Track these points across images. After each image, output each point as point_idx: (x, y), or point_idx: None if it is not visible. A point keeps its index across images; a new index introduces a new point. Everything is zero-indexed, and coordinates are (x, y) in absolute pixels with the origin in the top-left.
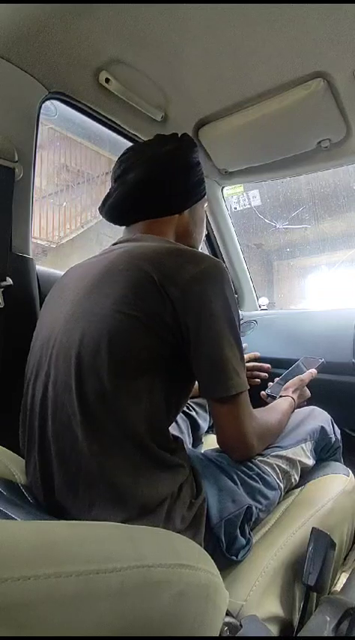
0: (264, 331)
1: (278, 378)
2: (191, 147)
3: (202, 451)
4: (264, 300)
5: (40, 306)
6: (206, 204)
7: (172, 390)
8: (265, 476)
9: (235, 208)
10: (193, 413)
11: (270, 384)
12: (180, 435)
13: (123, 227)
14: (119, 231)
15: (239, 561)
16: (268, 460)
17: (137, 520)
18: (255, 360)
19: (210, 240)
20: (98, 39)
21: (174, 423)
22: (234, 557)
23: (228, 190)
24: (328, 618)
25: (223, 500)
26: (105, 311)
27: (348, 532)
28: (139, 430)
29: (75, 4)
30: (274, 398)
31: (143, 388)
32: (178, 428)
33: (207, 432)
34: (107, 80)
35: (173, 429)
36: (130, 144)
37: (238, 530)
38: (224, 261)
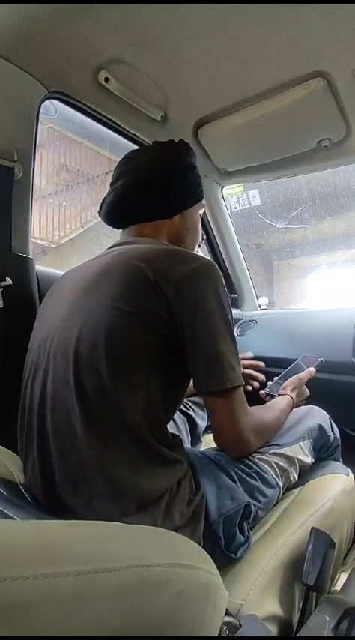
0: (264, 331)
1: (277, 377)
2: (183, 151)
3: (200, 449)
4: (263, 300)
5: (40, 305)
6: (202, 210)
7: (168, 385)
8: (263, 474)
9: (235, 208)
10: (191, 412)
11: (269, 383)
12: (178, 434)
13: (120, 230)
14: (119, 231)
15: (238, 560)
16: (266, 458)
17: (136, 514)
18: (250, 360)
19: (210, 240)
20: (98, 38)
21: (172, 422)
22: (233, 555)
23: (228, 190)
24: (327, 618)
25: (222, 497)
26: (102, 308)
27: (348, 531)
28: (137, 423)
29: (74, 4)
30: (273, 397)
31: (140, 382)
32: (176, 427)
33: (206, 430)
34: (106, 80)
35: (171, 428)
36: (130, 143)
37: (237, 528)
38: (224, 261)
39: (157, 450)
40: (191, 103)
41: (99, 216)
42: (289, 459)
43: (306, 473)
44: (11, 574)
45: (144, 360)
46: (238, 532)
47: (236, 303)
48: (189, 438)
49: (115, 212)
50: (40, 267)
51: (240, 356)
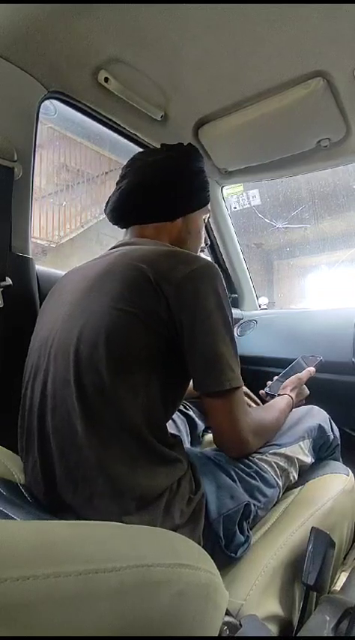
0: (264, 331)
1: (276, 377)
2: (190, 155)
3: (200, 449)
4: (263, 300)
5: (40, 305)
6: (207, 215)
7: (168, 386)
8: (263, 473)
9: (235, 208)
10: (191, 412)
11: (269, 382)
12: (178, 434)
13: (124, 229)
14: (120, 231)
15: (238, 560)
16: (266, 458)
17: (136, 513)
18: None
19: (210, 240)
20: (97, 38)
21: (172, 422)
22: (233, 555)
23: (228, 190)
24: (328, 618)
25: (222, 496)
26: (103, 308)
27: (348, 531)
28: (137, 422)
29: (74, 3)
30: (273, 396)
31: (140, 382)
32: (176, 427)
33: (205, 430)
34: (106, 79)
35: (171, 428)
36: (130, 143)
37: (237, 527)
38: (224, 261)
39: (157, 450)
40: (191, 102)
41: (105, 214)
42: (289, 458)
43: (306, 473)
44: (11, 574)
45: (145, 360)
46: (238, 532)
47: (236, 303)
48: (189, 438)
49: (119, 211)
50: (40, 267)
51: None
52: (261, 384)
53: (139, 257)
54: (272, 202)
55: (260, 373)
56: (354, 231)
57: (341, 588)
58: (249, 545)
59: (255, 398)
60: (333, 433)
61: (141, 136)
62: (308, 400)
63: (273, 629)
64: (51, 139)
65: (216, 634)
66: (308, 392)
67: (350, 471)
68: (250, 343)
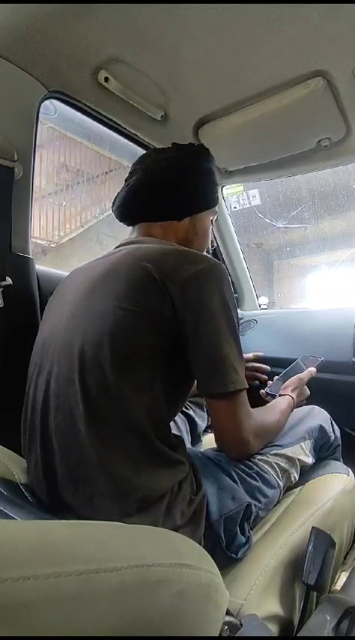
0: (264, 331)
1: (277, 377)
2: (200, 155)
3: (201, 450)
4: (263, 300)
5: (40, 305)
6: (214, 217)
7: (172, 385)
8: (264, 474)
9: (235, 208)
10: (191, 412)
11: (270, 382)
12: (178, 434)
13: (130, 227)
14: (120, 231)
15: (239, 560)
16: (267, 459)
17: (137, 514)
18: (256, 360)
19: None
20: (97, 38)
21: (173, 422)
22: (234, 555)
23: (228, 190)
24: (328, 617)
25: (223, 497)
26: (107, 308)
27: (348, 531)
28: (141, 422)
29: (74, 4)
30: (274, 396)
31: (144, 382)
32: (177, 427)
33: (206, 430)
34: (106, 79)
35: (172, 428)
36: (130, 143)
37: (238, 528)
38: (224, 261)
39: (160, 451)
40: (191, 102)
41: (112, 210)
42: (290, 459)
43: (307, 472)
44: (12, 574)
45: (149, 359)
46: (239, 532)
47: (236, 303)
48: (190, 438)
49: (126, 208)
50: (40, 267)
51: (250, 355)
52: (261, 384)
53: (144, 256)
54: (272, 202)
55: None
56: (354, 231)
57: (342, 588)
58: (249, 545)
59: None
60: (334, 433)
61: (141, 136)
62: (309, 400)
63: (274, 629)
64: (51, 138)
65: (216, 634)
66: (309, 392)
67: (350, 470)
68: (250, 343)
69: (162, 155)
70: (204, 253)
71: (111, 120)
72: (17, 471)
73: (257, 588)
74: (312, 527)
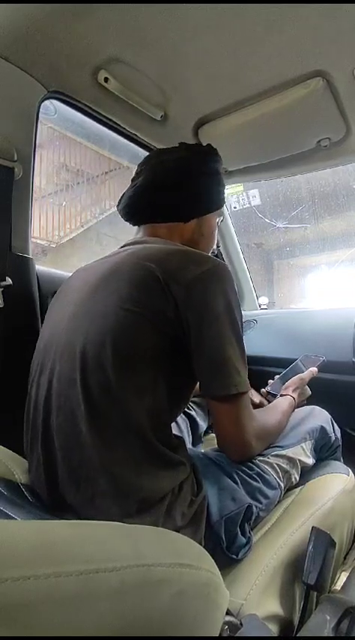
0: (264, 331)
1: (278, 376)
2: (206, 156)
3: (202, 450)
4: (263, 300)
5: (40, 305)
6: (220, 218)
7: (174, 387)
8: (265, 475)
9: (235, 208)
10: (193, 412)
11: (270, 381)
12: (179, 434)
13: (135, 227)
14: (120, 231)
15: (239, 560)
16: (268, 459)
17: (137, 515)
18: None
19: None
20: (97, 38)
21: (174, 423)
22: (235, 556)
23: (228, 190)
24: (328, 617)
25: (223, 498)
26: (109, 308)
27: (348, 531)
28: (142, 424)
29: (74, 4)
30: (274, 396)
31: (146, 383)
32: (178, 427)
33: (207, 431)
34: (106, 79)
35: (173, 429)
36: (129, 143)
37: (238, 529)
38: (224, 261)
39: (161, 452)
40: (191, 102)
41: (118, 209)
42: (291, 460)
43: (307, 472)
44: (12, 574)
45: (151, 361)
46: (239, 533)
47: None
48: (191, 438)
49: (132, 208)
50: (40, 267)
51: None
52: (261, 384)
53: (147, 256)
54: (272, 202)
55: (260, 373)
56: (354, 231)
57: (342, 588)
58: (250, 546)
59: (263, 400)
60: (335, 434)
61: (141, 136)
62: (309, 400)
63: (274, 629)
64: (51, 139)
65: (216, 634)
66: (310, 392)
67: (350, 470)
68: (250, 343)
69: (169, 156)
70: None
71: (111, 120)
72: (18, 471)
73: (257, 588)
74: (312, 527)
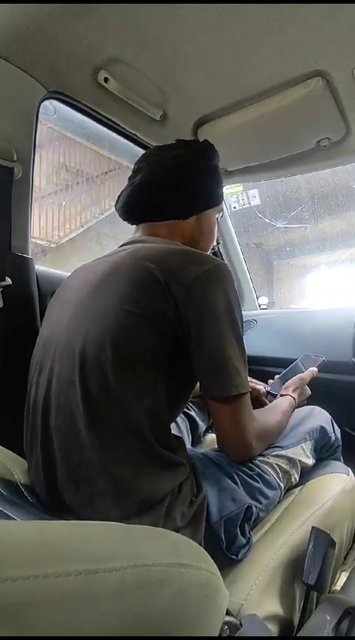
0: (264, 330)
1: (278, 376)
2: (204, 152)
3: (202, 451)
4: (263, 300)
5: (40, 305)
6: (220, 215)
7: (174, 388)
8: (265, 475)
9: (234, 208)
10: (192, 412)
11: (270, 381)
12: (179, 435)
13: (133, 226)
14: (120, 231)
15: (239, 560)
16: (268, 460)
17: (137, 516)
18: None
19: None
20: (97, 38)
21: (173, 423)
22: (234, 557)
23: (228, 190)
24: (328, 617)
25: (223, 499)
26: (108, 308)
27: (348, 531)
28: (142, 424)
29: (74, 4)
30: (274, 396)
31: (146, 384)
32: (177, 427)
33: (207, 431)
34: (106, 79)
35: (173, 429)
36: (129, 143)
37: (238, 529)
38: (224, 261)
39: (160, 453)
40: (190, 102)
41: (115, 209)
42: (291, 460)
43: (307, 472)
44: (12, 574)
45: (151, 361)
46: (239, 534)
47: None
48: (190, 438)
49: (130, 207)
50: (40, 267)
51: None
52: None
53: (147, 256)
54: (272, 202)
55: (260, 373)
56: (354, 231)
57: (342, 588)
58: (250, 546)
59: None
60: (335, 434)
61: (141, 136)
62: (308, 400)
63: (274, 629)
64: (50, 139)
65: (216, 634)
66: (310, 392)
67: (350, 470)
68: (250, 343)
69: (167, 153)
70: (208, 253)
71: (110, 120)
72: (17, 471)
73: (257, 588)
74: (312, 527)
